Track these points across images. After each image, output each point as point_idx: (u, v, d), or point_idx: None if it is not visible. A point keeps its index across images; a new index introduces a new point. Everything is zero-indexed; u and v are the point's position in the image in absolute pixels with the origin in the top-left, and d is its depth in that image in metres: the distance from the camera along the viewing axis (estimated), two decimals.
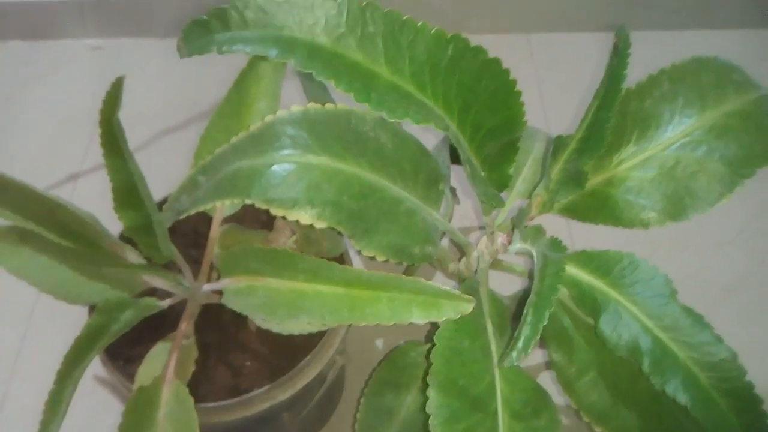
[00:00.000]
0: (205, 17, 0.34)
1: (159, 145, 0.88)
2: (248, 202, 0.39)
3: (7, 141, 0.90)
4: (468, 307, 0.33)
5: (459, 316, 0.33)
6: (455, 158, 0.55)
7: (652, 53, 0.62)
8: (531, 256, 0.40)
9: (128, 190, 0.39)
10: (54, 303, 0.74)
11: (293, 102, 0.44)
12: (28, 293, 0.74)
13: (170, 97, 0.91)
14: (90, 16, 0.97)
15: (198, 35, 0.34)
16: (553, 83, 0.93)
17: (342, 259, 0.53)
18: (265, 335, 0.48)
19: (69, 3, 0.96)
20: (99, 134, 0.39)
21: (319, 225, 0.39)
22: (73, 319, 0.65)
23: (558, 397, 0.43)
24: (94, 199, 0.46)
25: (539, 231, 0.39)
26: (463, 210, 0.73)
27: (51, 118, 0.92)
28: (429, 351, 0.37)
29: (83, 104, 0.93)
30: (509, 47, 0.95)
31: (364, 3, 0.32)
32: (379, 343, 0.70)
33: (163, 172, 0.55)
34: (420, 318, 0.33)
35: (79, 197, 0.84)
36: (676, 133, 0.41)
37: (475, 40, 0.34)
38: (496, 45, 0.35)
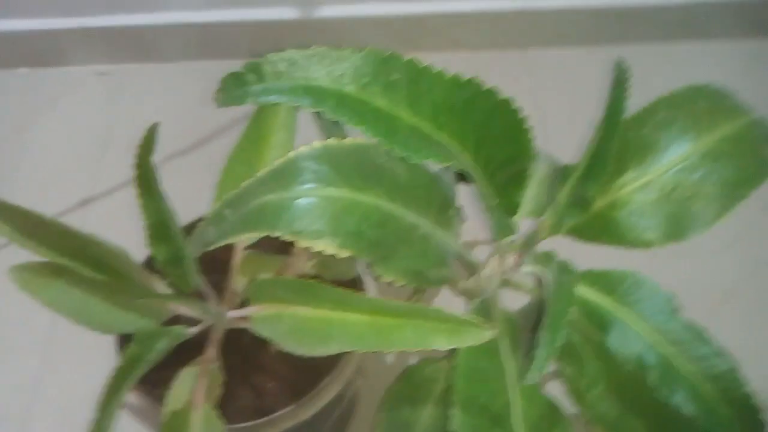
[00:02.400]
0: (241, 71, 0.36)
1: (166, 170, 0.90)
2: (275, 234, 0.41)
3: (17, 167, 0.92)
4: (489, 335, 0.35)
5: (480, 342, 0.35)
6: (460, 177, 0.57)
7: (646, 66, 0.64)
8: (540, 279, 0.43)
9: (160, 226, 0.41)
10: (70, 329, 0.76)
11: (307, 131, 0.47)
12: (44, 319, 0.76)
13: (176, 122, 0.94)
14: (96, 43, 1.00)
15: (235, 87, 0.37)
16: (550, 98, 0.95)
17: (356, 281, 0.56)
18: (285, 356, 0.50)
19: (75, 30, 0.98)
20: (133, 176, 0.41)
21: (343, 254, 0.41)
22: (90, 345, 0.67)
23: (568, 407, 0.46)
24: (106, 223, 0.48)
25: (549, 256, 0.41)
26: (468, 225, 0.76)
27: (60, 144, 0.94)
28: (449, 371, 0.39)
29: (91, 129, 0.95)
30: (505, 63, 0.98)
31: (387, 54, 0.35)
32: (389, 358, 0.72)
33: (173, 195, 0.57)
34: (443, 344, 0.35)
35: (91, 221, 0.86)
36: (674, 158, 0.43)
37: (471, 56, 0.36)
38: (492, 60, 0.38)
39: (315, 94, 0.35)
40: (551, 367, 0.52)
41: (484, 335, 0.35)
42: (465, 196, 0.50)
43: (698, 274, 0.76)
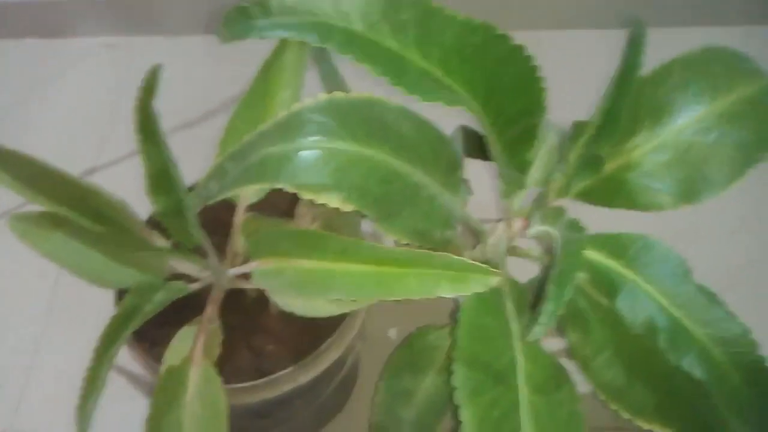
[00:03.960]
0: (245, 4, 0.35)
1: (173, 141, 0.89)
2: (278, 186, 0.40)
3: (24, 137, 0.91)
4: (495, 280, 0.34)
5: (487, 289, 0.34)
6: (467, 150, 0.56)
7: (658, 49, 0.63)
8: (550, 237, 0.42)
9: (162, 176, 0.40)
10: (71, 296, 0.76)
11: (312, 93, 0.46)
12: (45, 286, 0.76)
13: (184, 94, 0.93)
14: (104, 14, 0.99)
15: (239, 21, 0.36)
16: (561, 80, 0.94)
17: None
18: (287, 318, 0.49)
19: (83, 1, 0.97)
20: (134, 120, 0.40)
21: (346, 208, 0.40)
22: (89, 313, 0.67)
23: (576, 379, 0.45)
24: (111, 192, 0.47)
25: (559, 212, 0.40)
26: (473, 202, 0.75)
27: (66, 115, 0.94)
28: (450, 331, 0.38)
29: (98, 101, 0.95)
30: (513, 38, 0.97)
31: None
32: (393, 332, 0.71)
33: (179, 167, 0.56)
34: (448, 291, 0.34)
35: None
36: (689, 119, 0.42)
37: None
38: None
39: (322, 30, 0.34)
40: (556, 344, 0.51)
41: (490, 281, 0.34)
42: (471, 171, 0.49)
43: (705, 257, 0.74)
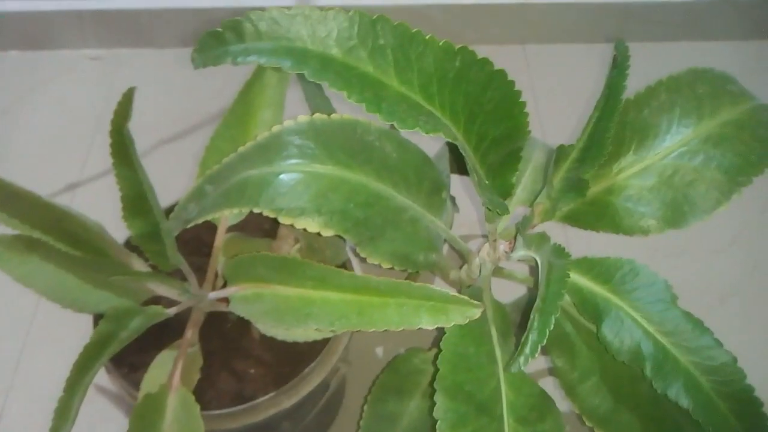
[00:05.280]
0: (219, 29, 0.34)
1: (157, 155, 0.88)
2: (257, 210, 0.39)
3: (6, 151, 0.90)
4: (476, 312, 0.33)
5: (467, 321, 0.33)
6: (454, 168, 0.56)
7: (646, 64, 0.63)
8: (534, 262, 0.41)
9: (137, 199, 0.39)
10: (53, 313, 0.74)
11: (296, 111, 0.45)
12: (27, 303, 0.74)
13: (168, 108, 0.92)
14: (89, 27, 0.98)
15: (213, 46, 0.35)
16: (549, 94, 0.94)
17: (344, 267, 0.54)
18: (269, 342, 0.48)
19: (68, 13, 0.96)
20: (109, 143, 0.39)
21: (326, 233, 0.39)
22: (72, 330, 0.66)
23: (560, 403, 0.44)
24: (92, 209, 0.46)
25: (543, 238, 0.40)
26: (460, 219, 0.74)
27: (49, 128, 0.92)
28: (435, 357, 0.38)
29: (81, 114, 0.94)
30: (504, 58, 0.97)
31: (375, 17, 0.33)
32: (379, 351, 0.70)
33: (162, 182, 0.55)
34: (428, 323, 0.33)
35: (77, 207, 0.84)
36: (674, 142, 0.42)
37: None
38: (491, 55, 0.36)
39: (297, 55, 0.33)
40: (543, 362, 0.50)
41: (471, 313, 0.33)
42: (458, 187, 0.48)
43: (697, 274, 0.75)
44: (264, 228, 0.56)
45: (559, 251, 0.38)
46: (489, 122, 0.36)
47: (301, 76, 0.51)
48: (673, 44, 1.00)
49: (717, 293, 0.73)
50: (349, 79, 0.33)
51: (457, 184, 0.53)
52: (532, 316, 0.34)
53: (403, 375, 0.51)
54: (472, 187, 0.61)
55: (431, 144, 0.50)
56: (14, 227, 0.41)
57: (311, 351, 0.49)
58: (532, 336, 0.34)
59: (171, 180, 0.58)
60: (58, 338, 0.71)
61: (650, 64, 0.63)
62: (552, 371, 0.44)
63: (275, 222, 0.55)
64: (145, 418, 0.42)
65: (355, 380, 0.64)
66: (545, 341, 0.34)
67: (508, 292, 0.55)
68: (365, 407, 0.52)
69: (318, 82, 0.33)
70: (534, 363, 0.42)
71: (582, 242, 0.47)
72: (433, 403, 0.36)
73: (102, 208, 0.47)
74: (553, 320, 0.34)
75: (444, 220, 0.47)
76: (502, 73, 0.36)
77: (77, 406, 0.38)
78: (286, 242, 0.52)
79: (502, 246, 0.46)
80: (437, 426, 0.35)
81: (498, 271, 0.51)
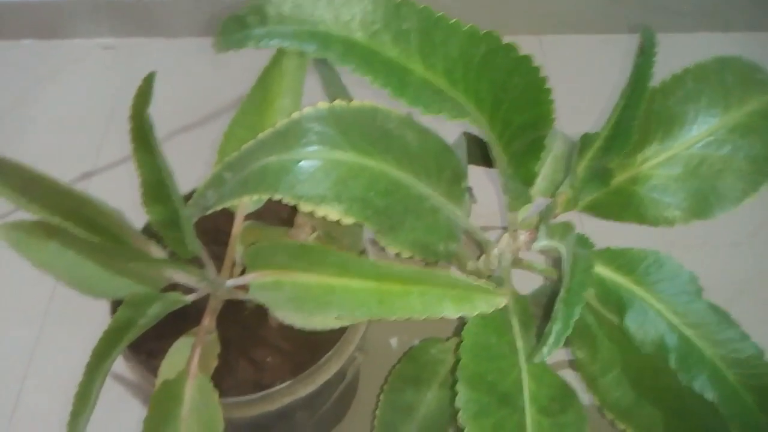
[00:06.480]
0: (242, 13, 0.34)
1: (171, 145, 0.88)
2: (276, 197, 0.39)
3: (20, 139, 0.90)
4: (502, 301, 0.33)
5: (492, 310, 0.33)
6: (470, 158, 0.55)
7: (665, 56, 0.62)
8: (557, 253, 0.40)
9: (157, 185, 0.39)
10: (68, 302, 0.74)
11: (314, 100, 0.45)
12: (42, 293, 0.75)
13: (182, 97, 0.92)
14: (102, 16, 0.98)
15: (235, 30, 0.35)
16: (565, 85, 0.93)
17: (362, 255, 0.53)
18: (287, 331, 0.48)
19: (81, 2, 0.96)
20: (129, 128, 0.39)
21: (347, 221, 0.39)
22: (86, 319, 0.66)
23: (580, 395, 0.43)
24: (108, 197, 0.46)
25: (568, 227, 0.39)
26: (476, 210, 0.74)
27: (63, 117, 0.92)
28: (456, 347, 0.37)
29: (95, 103, 0.94)
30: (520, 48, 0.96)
31: (399, 0, 0.33)
32: (393, 342, 0.70)
33: (176, 171, 0.55)
34: (452, 312, 0.33)
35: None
36: (701, 131, 0.41)
37: None
38: None
39: (320, 39, 0.33)
40: (563, 354, 0.50)
41: (496, 301, 0.32)
42: (475, 178, 0.48)
43: (715, 265, 0.74)
44: (281, 216, 0.56)
45: (584, 241, 0.37)
46: (514, 109, 0.36)
47: (318, 63, 0.51)
48: (693, 35, 0.98)
49: (737, 286, 0.72)
50: (373, 64, 0.33)
51: (473, 176, 0.52)
52: (556, 306, 0.34)
53: (420, 365, 0.50)
54: (487, 178, 0.60)
55: (446, 134, 0.50)
56: (34, 213, 0.41)
57: (328, 340, 0.49)
58: (557, 326, 0.33)
59: (186, 169, 0.58)
60: (73, 327, 0.71)
61: (670, 56, 0.62)
62: (572, 364, 0.44)
63: (292, 210, 0.55)
64: (164, 404, 0.42)
65: (369, 370, 0.64)
66: (570, 331, 0.33)
67: (524, 285, 0.54)
68: (381, 397, 0.52)
69: (341, 67, 0.33)
70: (553, 355, 0.41)
71: (597, 235, 0.47)
72: (452, 393, 0.36)
73: (117, 198, 0.47)
74: (579, 311, 0.33)
75: (463, 210, 0.47)
76: (527, 60, 0.35)
77: (97, 391, 0.38)
78: (303, 231, 0.51)
79: (523, 236, 0.45)
80: (459, 416, 0.34)
81: (517, 262, 0.50)
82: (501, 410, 0.35)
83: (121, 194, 0.49)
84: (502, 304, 0.33)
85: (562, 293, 0.34)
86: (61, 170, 0.88)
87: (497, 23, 0.98)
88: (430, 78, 0.34)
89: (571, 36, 1.00)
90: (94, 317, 0.51)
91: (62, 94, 0.95)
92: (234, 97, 0.91)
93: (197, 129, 0.91)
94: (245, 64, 0.54)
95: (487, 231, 0.68)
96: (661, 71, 0.46)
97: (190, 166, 0.61)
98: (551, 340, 0.33)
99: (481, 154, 0.50)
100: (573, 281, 0.34)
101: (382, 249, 0.43)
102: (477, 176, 0.50)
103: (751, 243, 0.76)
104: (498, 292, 0.33)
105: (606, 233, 0.53)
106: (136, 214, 0.46)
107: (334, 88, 0.49)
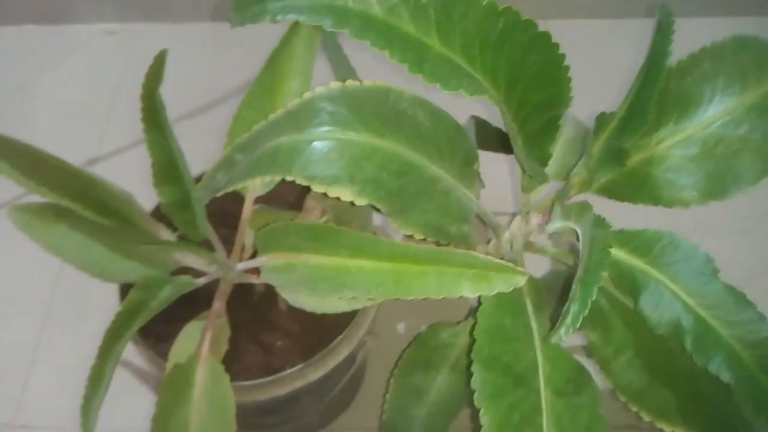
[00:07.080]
0: None
1: (177, 131, 0.88)
2: (289, 178, 0.38)
3: (23, 126, 0.90)
4: (521, 280, 0.32)
5: (511, 289, 0.32)
6: (479, 142, 0.55)
7: (677, 40, 0.61)
8: (570, 235, 0.40)
9: (168, 166, 0.39)
10: (73, 288, 0.74)
11: (322, 81, 0.44)
12: (47, 278, 0.74)
13: (186, 82, 0.91)
14: (105, 1, 0.97)
15: (250, 4, 0.34)
16: (573, 71, 0.92)
17: None
18: (296, 314, 0.48)
19: None
20: (140, 108, 0.39)
21: (360, 202, 0.38)
22: (92, 304, 0.65)
23: (594, 378, 0.43)
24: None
25: (585, 207, 0.39)
26: (485, 195, 0.73)
27: (66, 103, 0.92)
28: (471, 328, 0.37)
29: (98, 89, 0.93)
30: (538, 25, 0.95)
31: None
32: (401, 327, 0.70)
33: None
34: (470, 291, 0.33)
35: None
36: (718, 111, 0.41)
37: None
38: None
39: (338, 13, 0.32)
40: (576, 339, 0.49)
41: (515, 280, 0.32)
42: (482, 163, 0.47)
43: (724, 252, 0.73)
44: (289, 201, 0.55)
45: (600, 222, 0.37)
46: (531, 87, 0.35)
47: (327, 45, 0.50)
48: (707, 21, 0.97)
49: (745, 272, 0.72)
50: (390, 39, 0.32)
51: (480, 160, 0.52)
52: (573, 287, 0.34)
53: (430, 348, 0.50)
54: (495, 163, 0.60)
55: (456, 117, 0.49)
56: (43, 195, 0.40)
57: (338, 324, 0.49)
58: (574, 307, 0.33)
59: (192, 155, 0.57)
60: (79, 313, 0.71)
61: (682, 40, 0.62)
62: (585, 346, 0.44)
63: (300, 195, 0.55)
64: (175, 388, 0.42)
65: (377, 355, 0.64)
66: (587, 311, 0.33)
67: (539, 265, 0.54)
68: (391, 381, 0.52)
69: (359, 41, 0.32)
70: (568, 339, 0.41)
71: (616, 217, 0.47)
72: (467, 375, 0.36)
73: (122, 184, 0.46)
74: (596, 291, 0.33)
75: (474, 193, 0.46)
76: (546, 36, 0.34)
77: (110, 374, 0.38)
78: (313, 214, 0.51)
79: (535, 219, 0.45)
80: (475, 396, 0.34)
81: (528, 246, 0.50)
82: (516, 391, 0.35)
83: (126, 182, 0.49)
84: (522, 282, 0.33)
85: (579, 273, 0.34)
86: (65, 156, 0.88)
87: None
88: (447, 54, 0.34)
89: (578, 20, 0.99)
90: (99, 304, 0.50)
91: (65, 79, 0.94)
92: (238, 83, 0.90)
93: (202, 115, 0.90)
94: (250, 50, 0.53)
95: (496, 215, 0.68)
96: (677, 56, 0.45)
97: (195, 153, 0.60)
98: (569, 320, 0.33)
99: (489, 138, 0.50)
100: (591, 261, 0.33)
101: (389, 236, 0.42)
102: (484, 161, 0.50)
103: (759, 230, 0.76)
104: (517, 270, 0.33)
105: (614, 218, 0.52)
106: (141, 200, 0.46)
107: (344, 70, 0.49)
